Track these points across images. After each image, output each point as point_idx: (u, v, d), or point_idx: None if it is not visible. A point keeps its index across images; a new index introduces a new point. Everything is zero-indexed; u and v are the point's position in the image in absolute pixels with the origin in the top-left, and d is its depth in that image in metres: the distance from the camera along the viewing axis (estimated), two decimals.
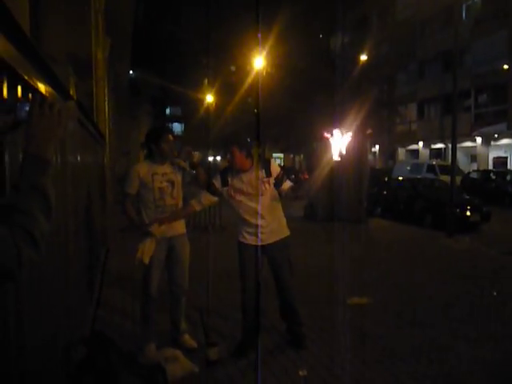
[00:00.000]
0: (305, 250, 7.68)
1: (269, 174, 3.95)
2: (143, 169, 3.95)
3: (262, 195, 3.89)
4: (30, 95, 1.72)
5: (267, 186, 3.93)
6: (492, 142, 29.06)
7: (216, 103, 29.29)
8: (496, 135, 28.09)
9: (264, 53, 20.75)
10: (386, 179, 19.83)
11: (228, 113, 29.42)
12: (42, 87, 1.84)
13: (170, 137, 3.98)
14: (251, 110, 29.37)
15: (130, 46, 14.56)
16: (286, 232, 4.08)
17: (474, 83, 28.74)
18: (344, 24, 23.06)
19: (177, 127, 72.58)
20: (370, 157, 36.13)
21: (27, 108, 1.32)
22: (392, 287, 6.19)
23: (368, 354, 4.00)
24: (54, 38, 6.13)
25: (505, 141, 28.04)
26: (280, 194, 4.03)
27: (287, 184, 4.02)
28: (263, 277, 4.09)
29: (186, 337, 4.15)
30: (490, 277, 6.86)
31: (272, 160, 4.11)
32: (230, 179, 3.98)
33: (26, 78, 1.64)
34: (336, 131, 3.67)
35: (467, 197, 13.79)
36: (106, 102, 9.98)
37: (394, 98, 27.42)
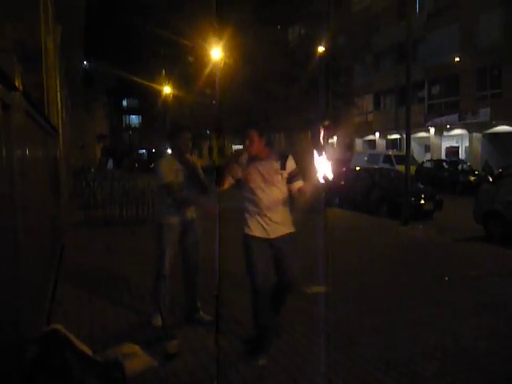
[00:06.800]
0: None
1: (283, 167, 3.88)
2: (169, 164, 4.24)
3: (274, 186, 3.83)
4: None
5: (280, 178, 3.87)
6: (444, 133, 30.00)
7: (174, 95, 28.88)
8: (448, 126, 29.01)
9: (222, 44, 20.62)
10: (344, 169, 20.10)
11: (186, 105, 29.06)
12: None
13: (188, 134, 4.35)
14: (209, 102, 29.18)
15: (83, 35, 14.12)
16: (292, 228, 3.97)
17: (427, 75, 29.52)
18: (301, 15, 23.17)
19: (134, 120, 71.01)
20: (328, 148, 36.60)
21: None
22: (349, 275, 6.31)
23: (327, 342, 4.06)
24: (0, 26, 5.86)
25: (456, 131, 29.01)
26: (289, 191, 3.95)
27: (299, 183, 3.91)
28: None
29: (202, 313, 4.51)
30: (443, 263, 7.10)
31: (290, 156, 3.97)
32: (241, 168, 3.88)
33: None
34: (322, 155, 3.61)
35: (421, 186, 14.21)
36: (58, 93, 9.66)
37: (351, 90, 27.79)
